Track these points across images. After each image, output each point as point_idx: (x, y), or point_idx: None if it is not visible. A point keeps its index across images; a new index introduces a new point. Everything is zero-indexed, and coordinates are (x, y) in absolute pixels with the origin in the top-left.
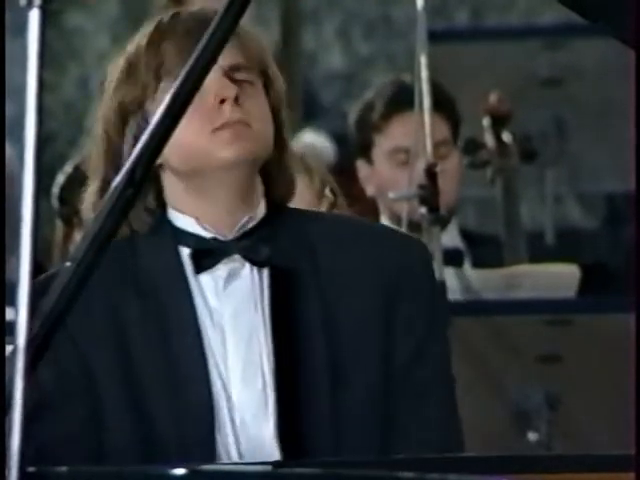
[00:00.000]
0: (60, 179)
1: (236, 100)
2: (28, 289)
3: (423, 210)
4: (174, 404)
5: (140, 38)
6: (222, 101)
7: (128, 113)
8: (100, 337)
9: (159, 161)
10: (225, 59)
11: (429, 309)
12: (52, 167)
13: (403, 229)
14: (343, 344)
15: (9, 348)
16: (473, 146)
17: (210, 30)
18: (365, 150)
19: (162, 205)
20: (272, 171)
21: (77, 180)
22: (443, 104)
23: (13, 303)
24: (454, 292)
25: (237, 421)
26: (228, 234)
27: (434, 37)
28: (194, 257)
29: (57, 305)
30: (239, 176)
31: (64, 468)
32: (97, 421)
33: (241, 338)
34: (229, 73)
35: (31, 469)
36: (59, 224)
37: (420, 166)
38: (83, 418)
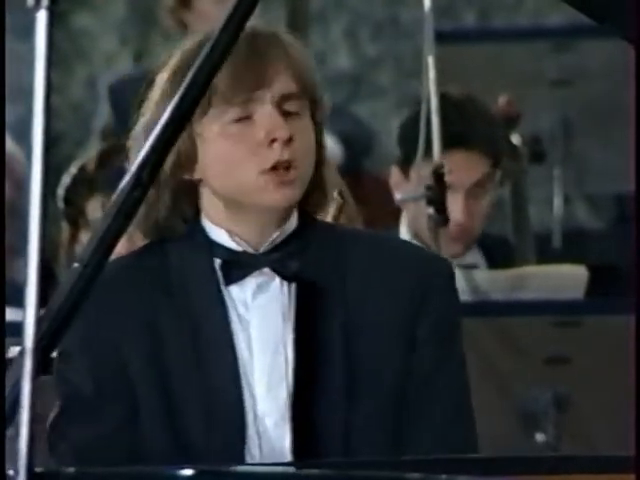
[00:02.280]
0: (65, 180)
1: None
2: (35, 290)
3: (430, 211)
4: (206, 411)
5: (188, 52)
6: (273, 140)
7: None
8: (137, 341)
9: (198, 176)
10: (278, 87)
11: (448, 327)
12: (59, 168)
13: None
14: (363, 360)
15: (16, 349)
16: None
17: (217, 32)
18: (405, 163)
19: (196, 212)
20: (309, 187)
21: (82, 181)
22: (481, 140)
23: (21, 304)
24: (462, 293)
25: (260, 430)
26: (259, 247)
27: (441, 38)
28: (224, 269)
29: (64, 306)
30: (279, 210)
31: (72, 469)
32: (133, 425)
33: (267, 349)
34: (280, 104)
35: (39, 470)
36: (64, 225)
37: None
38: (120, 421)
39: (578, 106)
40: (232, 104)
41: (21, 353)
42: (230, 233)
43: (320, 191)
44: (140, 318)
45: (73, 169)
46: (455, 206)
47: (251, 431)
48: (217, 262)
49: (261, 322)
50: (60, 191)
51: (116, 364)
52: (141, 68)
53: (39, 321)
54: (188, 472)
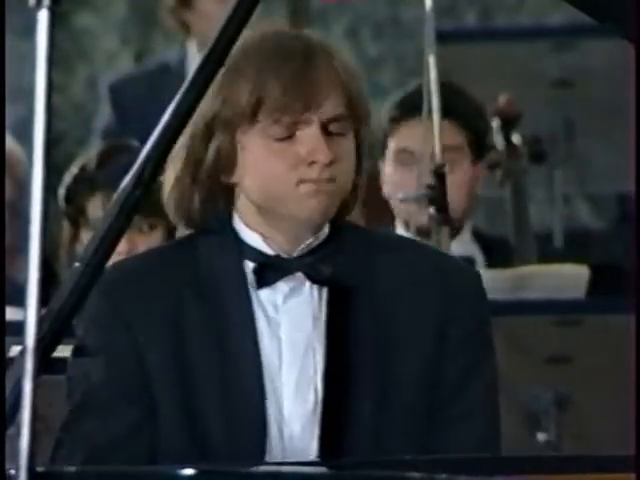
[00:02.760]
0: (67, 179)
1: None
2: (36, 289)
3: (431, 210)
4: (227, 412)
5: (244, 53)
6: (313, 162)
7: (213, 130)
8: (159, 339)
9: (235, 180)
10: (326, 111)
11: (478, 337)
12: (60, 168)
13: (412, 233)
14: (393, 365)
15: (17, 349)
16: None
17: (218, 32)
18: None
19: (229, 211)
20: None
21: (83, 180)
22: (459, 113)
23: (21, 304)
24: None
25: (285, 434)
26: (292, 252)
27: (443, 38)
28: (257, 272)
29: (65, 305)
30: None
31: (73, 468)
32: (152, 424)
33: (297, 353)
34: (326, 125)
35: (40, 469)
36: (65, 224)
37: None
38: (139, 420)
39: (579, 105)
40: (279, 123)
41: (22, 352)
42: (264, 237)
43: (354, 197)
44: (164, 314)
45: (74, 168)
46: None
47: (275, 435)
48: (247, 264)
49: (291, 325)
50: (61, 190)
51: (136, 361)
52: (142, 68)
53: (40, 320)
54: (189, 472)
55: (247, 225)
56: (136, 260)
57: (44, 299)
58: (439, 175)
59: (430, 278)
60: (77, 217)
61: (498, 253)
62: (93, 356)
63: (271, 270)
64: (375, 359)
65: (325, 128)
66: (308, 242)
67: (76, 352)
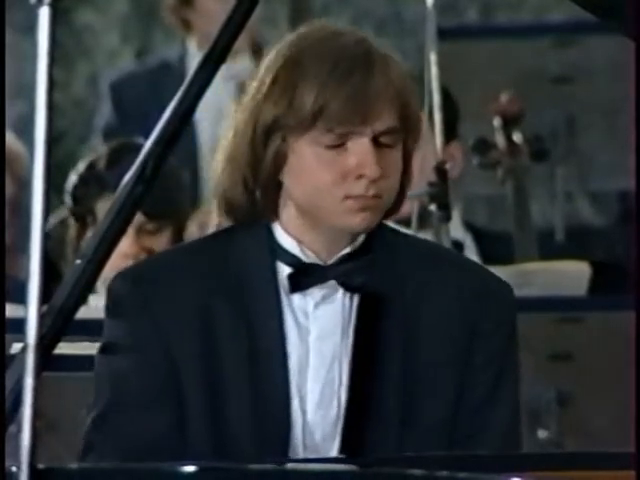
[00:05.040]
0: (73, 178)
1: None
2: (38, 286)
3: (432, 207)
4: (252, 413)
5: (305, 56)
6: (361, 175)
7: (272, 133)
8: (188, 336)
9: (282, 179)
10: (379, 124)
11: (507, 350)
12: (62, 165)
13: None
14: (420, 376)
15: (19, 345)
16: (484, 146)
17: (218, 31)
18: None
19: (271, 211)
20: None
21: (91, 180)
22: None
23: (23, 301)
24: None
25: (308, 441)
26: (327, 259)
27: (444, 35)
28: (292, 277)
29: (67, 302)
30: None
31: (74, 465)
32: (181, 423)
33: (323, 361)
34: (377, 137)
35: (41, 466)
36: (72, 223)
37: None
38: (168, 419)
39: (580, 102)
40: (332, 132)
41: (23, 349)
42: (300, 243)
43: (395, 208)
44: (193, 311)
45: (81, 167)
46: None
47: (297, 442)
48: (281, 266)
49: (320, 333)
50: (68, 189)
51: (165, 357)
52: (142, 66)
53: (42, 317)
54: (190, 468)
55: (285, 229)
56: (168, 255)
57: (47, 297)
58: (440, 172)
59: (460, 287)
60: (84, 216)
61: (499, 250)
62: (121, 351)
63: (306, 276)
64: (403, 371)
65: (376, 140)
66: (345, 251)
67: (103, 349)
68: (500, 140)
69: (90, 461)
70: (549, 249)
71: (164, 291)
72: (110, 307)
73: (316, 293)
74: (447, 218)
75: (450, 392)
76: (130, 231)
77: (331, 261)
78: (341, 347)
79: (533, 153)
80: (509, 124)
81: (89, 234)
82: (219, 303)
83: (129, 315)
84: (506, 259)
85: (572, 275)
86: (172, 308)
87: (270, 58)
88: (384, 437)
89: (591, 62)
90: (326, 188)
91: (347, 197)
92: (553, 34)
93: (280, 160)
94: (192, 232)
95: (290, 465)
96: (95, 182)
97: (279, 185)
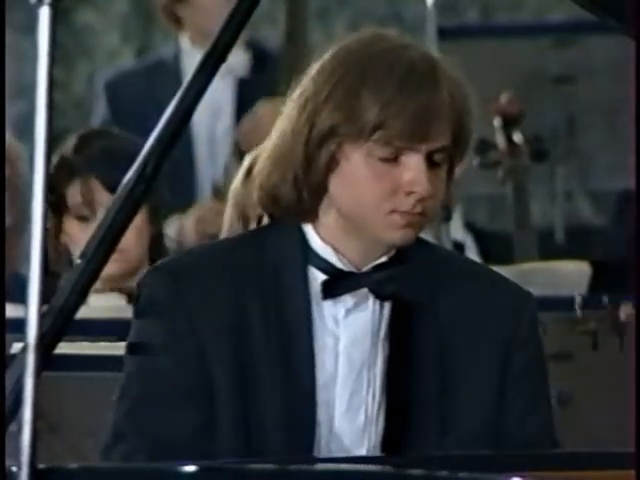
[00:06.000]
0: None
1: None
2: (38, 286)
3: None
4: (280, 418)
5: (369, 66)
6: (411, 192)
7: (329, 138)
8: (223, 338)
9: (328, 184)
10: (435, 143)
11: (539, 360)
12: None
13: None
14: (455, 386)
15: (19, 345)
16: (484, 146)
17: (219, 31)
18: None
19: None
20: None
21: (62, 167)
22: None
23: (23, 301)
24: None
25: (334, 447)
26: (361, 267)
27: (444, 34)
28: (326, 284)
29: (67, 302)
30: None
31: (74, 465)
32: (211, 423)
33: (352, 368)
34: (431, 155)
35: (41, 466)
36: (50, 216)
37: None
38: (200, 418)
39: (580, 102)
40: (389, 145)
41: (24, 349)
42: (336, 250)
43: (431, 220)
44: (225, 309)
45: (54, 157)
46: None
47: (323, 447)
48: (313, 272)
49: (350, 341)
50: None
51: (196, 352)
52: (137, 64)
53: (42, 317)
54: (190, 468)
55: (320, 234)
56: (203, 251)
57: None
58: None
59: (490, 299)
60: (60, 205)
61: (499, 249)
62: (154, 346)
63: (339, 283)
64: (435, 380)
65: (429, 158)
66: (380, 261)
67: (135, 342)
68: (500, 140)
69: (119, 450)
70: (549, 249)
71: (200, 288)
72: (142, 301)
73: (348, 300)
74: (447, 218)
75: (489, 397)
76: None
77: (365, 269)
78: (370, 355)
79: (533, 153)
80: (509, 124)
81: (66, 225)
82: (253, 304)
83: (163, 311)
84: (506, 259)
85: (572, 274)
86: (208, 306)
87: (327, 60)
88: (425, 443)
89: (591, 62)
90: (374, 200)
91: (393, 211)
92: (553, 34)
93: (332, 165)
94: (189, 226)
95: (291, 465)
96: (64, 167)
97: (325, 189)
